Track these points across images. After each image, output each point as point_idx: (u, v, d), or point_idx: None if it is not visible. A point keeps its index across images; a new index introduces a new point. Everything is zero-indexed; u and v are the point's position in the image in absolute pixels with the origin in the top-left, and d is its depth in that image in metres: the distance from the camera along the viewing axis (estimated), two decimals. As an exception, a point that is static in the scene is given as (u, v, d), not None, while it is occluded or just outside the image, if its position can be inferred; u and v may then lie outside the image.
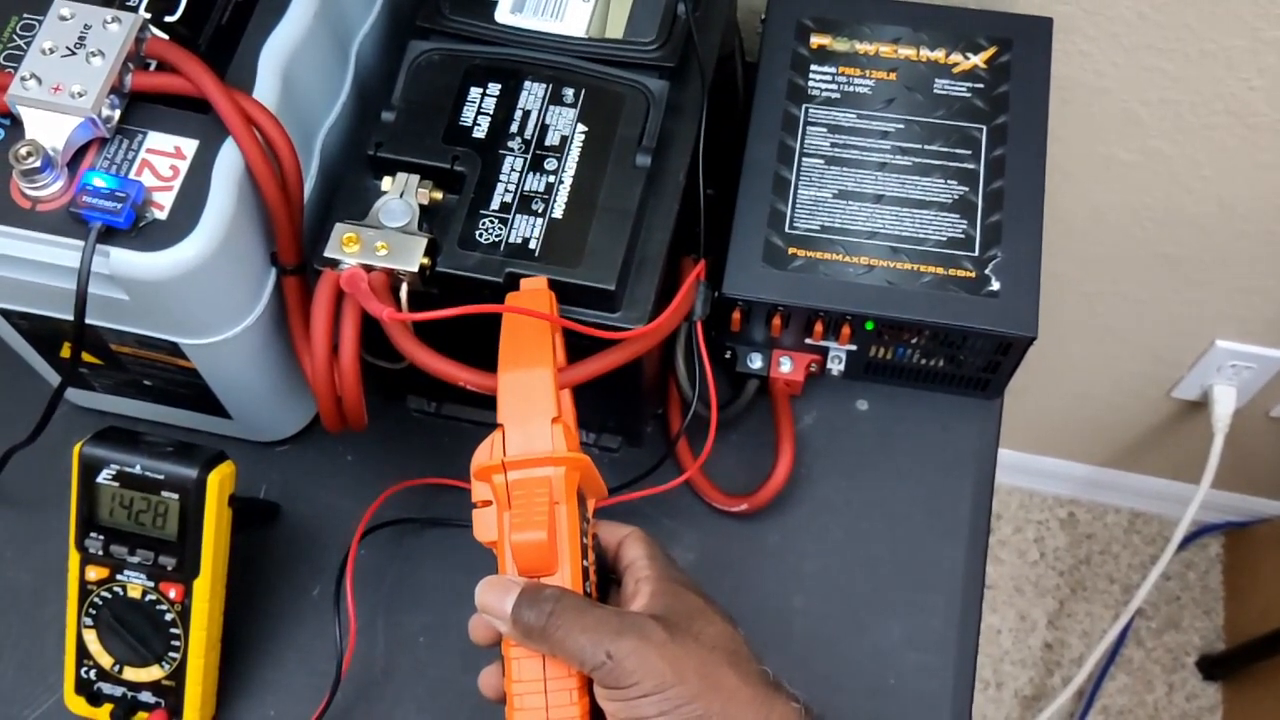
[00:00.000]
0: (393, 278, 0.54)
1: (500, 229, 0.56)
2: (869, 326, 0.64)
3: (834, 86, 0.69)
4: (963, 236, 0.65)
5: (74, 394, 0.68)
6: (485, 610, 0.46)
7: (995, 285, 0.63)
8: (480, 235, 0.55)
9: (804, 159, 0.67)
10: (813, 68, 0.70)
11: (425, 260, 0.54)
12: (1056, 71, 0.82)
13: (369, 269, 0.54)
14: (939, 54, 0.70)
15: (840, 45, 0.70)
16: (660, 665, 0.43)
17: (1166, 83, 0.80)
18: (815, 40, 0.70)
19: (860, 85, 0.69)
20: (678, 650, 0.44)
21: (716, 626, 0.47)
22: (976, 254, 0.64)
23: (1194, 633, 1.43)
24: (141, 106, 0.54)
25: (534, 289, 0.53)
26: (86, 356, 0.62)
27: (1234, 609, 1.43)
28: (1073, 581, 1.46)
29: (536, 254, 0.55)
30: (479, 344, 0.51)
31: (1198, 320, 1.07)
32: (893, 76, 0.69)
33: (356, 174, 0.58)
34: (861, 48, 0.70)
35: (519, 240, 0.55)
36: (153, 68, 0.55)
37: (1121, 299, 1.06)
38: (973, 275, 0.64)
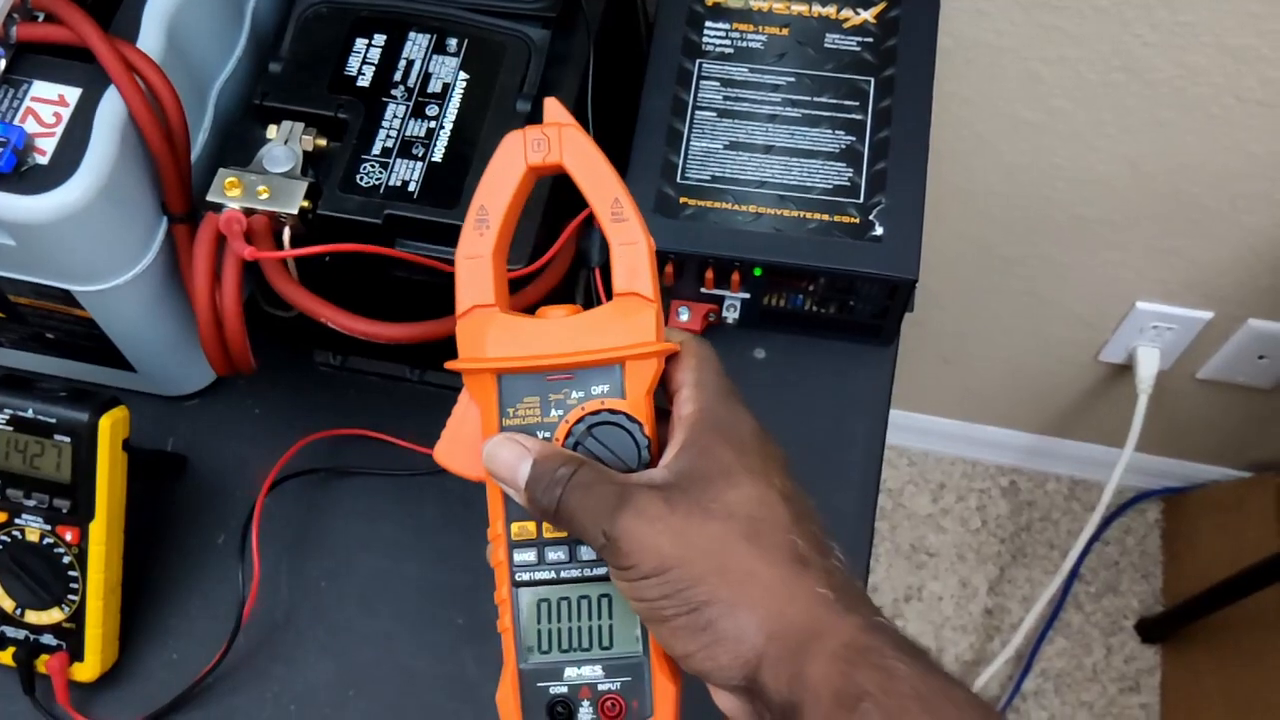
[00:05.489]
0: (275, 221, 0.55)
1: (380, 173, 0.57)
2: (757, 273, 0.66)
3: (727, 42, 0.71)
4: (848, 184, 0.66)
5: (-19, 349, 0.69)
6: (496, 476, 0.42)
7: (879, 230, 0.65)
8: (361, 179, 0.57)
9: (697, 112, 0.68)
10: (708, 24, 0.71)
11: (305, 203, 0.55)
12: (959, 31, 0.83)
13: (250, 212, 0.55)
14: (830, 9, 0.71)
15: (734, 1, 0.72)
16: (658, 545, 0.39)
17: (1064, 40, 0.82)
18: (711, -3, 0.72)
19: (753, 40, 0.71)
20: (679, 525, 0.39)
21: (740, 491, 0.41)
22: (861, 200, 0.66)
23: (1132, 596, 1.45)
24: (28, 57, 0.55)
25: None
26: (-15, 308, 0.63)
27: (1171, 573, 1.45)
28: (1014, 548, 1.48)
29: (415, 195, 0.56)
30: (371, 292, 0.52)
31: (1118, 282, 1.08)
32: (785, 32, 0.71)
33: (246, 124, 0.60)
34: (755, 4, 0.72)
35: (398, 183, 0.57)
36: (41, 19, 0.56)
37: (1042, 262, 1.07)
38: (857, 221, 0.65)
